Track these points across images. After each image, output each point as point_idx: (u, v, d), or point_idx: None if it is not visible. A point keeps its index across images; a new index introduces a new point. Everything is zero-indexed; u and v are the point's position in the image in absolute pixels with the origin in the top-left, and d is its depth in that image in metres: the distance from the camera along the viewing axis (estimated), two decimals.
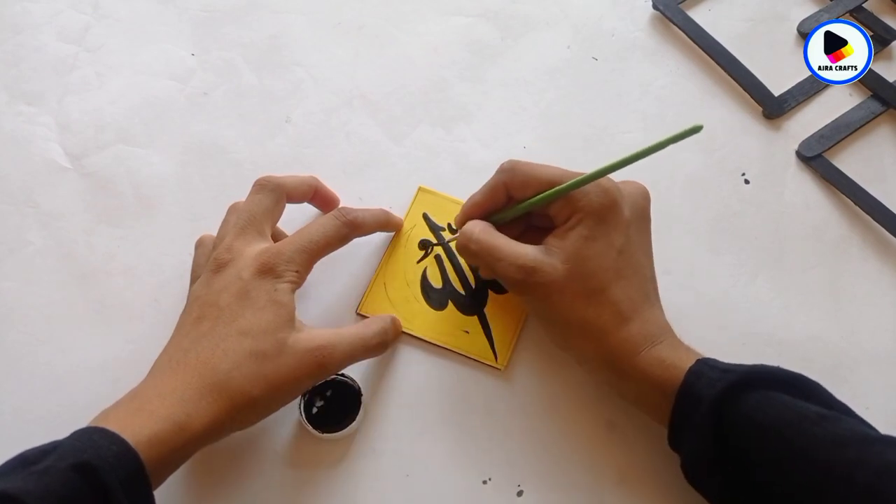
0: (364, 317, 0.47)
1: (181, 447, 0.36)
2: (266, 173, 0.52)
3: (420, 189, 0.51)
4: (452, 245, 0.48)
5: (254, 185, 0.45)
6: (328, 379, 0.44)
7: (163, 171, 0.51)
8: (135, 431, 0.35)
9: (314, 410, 0.43)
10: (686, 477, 0.40)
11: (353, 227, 0.44)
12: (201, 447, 0.37)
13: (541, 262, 0.40)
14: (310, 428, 0.42)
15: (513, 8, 0.58)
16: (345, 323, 0.47)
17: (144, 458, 0.34)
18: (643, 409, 0.42)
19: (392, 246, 0.49)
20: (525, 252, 0.41)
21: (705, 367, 0.38)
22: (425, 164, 0.52)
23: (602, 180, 0.40)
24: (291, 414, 0.44)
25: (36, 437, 0.43)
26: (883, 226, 0.51)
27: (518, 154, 0.53)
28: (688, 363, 0.39)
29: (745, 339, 0.48)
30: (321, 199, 0.48)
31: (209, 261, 0.42)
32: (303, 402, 0.43)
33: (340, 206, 0.48)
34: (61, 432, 0.40)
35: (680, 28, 0.57)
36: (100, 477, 0.32)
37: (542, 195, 0.42)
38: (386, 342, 0.44)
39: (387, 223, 0.48)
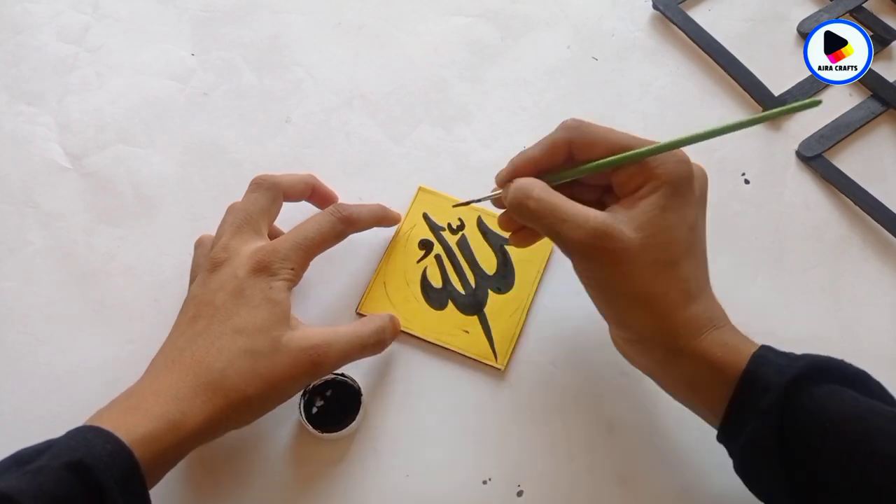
0: (364, 316, 0.47)
1: (176, 445, 0.36)
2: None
3: (420, 189, 0.51)
4: (488, 203, 0.43)
5: (250, 184, 0.45)
6: (328, 379, 0.44)
7: (163, 171, 0.51)
8: (129, 430, 0.34)
9: (314, 410, 0.43)
10: (738, 467, 0.38)
11: (349, 223, 0.44)
12: (197, 445, 0.37)
13: (613, 227, 0.37)
14: (310, 428, 0.42)
15: (513, 8, 0.58)
16: (344, 322, 0.47)
17: (139, 457, 0.34)
18: (693, 396, 0.39)
19: (392, 246, 0.49)
20: (595, 215, 0.37)
21: (771, 354, 0.37)
22: (425, 164, 0.53)
23: (677, 151, 0.38)
24: (291, 414, 0.44)
25: (36, 436, 0.43)
26: (883, 226, 0.51)
27: None
28: (752, 349, 0.37)
29: None
30: (319, 196, 0.48)
31: (207, 260, 0.42)
32: (303, 401, 0.43)
33: (337, 202, 0.48)
34: (61, 432, 0.40)
35: (680, 28, 0.57)
36: (94, 476, 0.32)
37: (613, 158, 0.38)
38: (383, 341, 0.44)
39: (383, 217, 0.48)
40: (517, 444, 0.45)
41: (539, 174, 0.40)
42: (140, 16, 0.57)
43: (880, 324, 0.49)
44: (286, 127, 0.53)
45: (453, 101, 0.55)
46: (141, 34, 0.56)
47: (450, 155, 0.53)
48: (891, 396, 0.37)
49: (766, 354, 0.37)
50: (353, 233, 0.45)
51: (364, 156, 0.53)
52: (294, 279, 0.41)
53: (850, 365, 0.37)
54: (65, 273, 0.48)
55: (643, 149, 0.38)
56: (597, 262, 0.38)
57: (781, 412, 0.34)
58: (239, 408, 0.38)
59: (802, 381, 0.35)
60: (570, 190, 0.41)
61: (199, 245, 0.46)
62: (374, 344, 0.43)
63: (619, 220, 0.37)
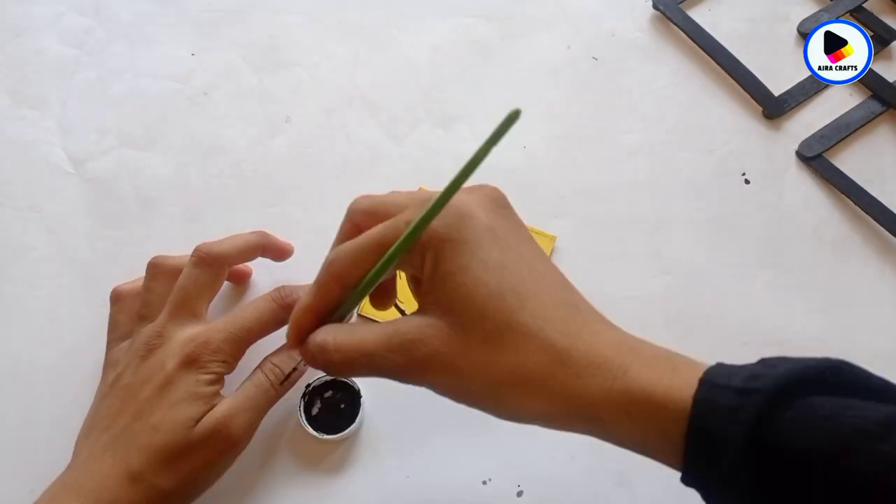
0: (365, 318, 0.47)
1: None
2: (265, 175, 0.52)
3: (420, 190, 0.51)
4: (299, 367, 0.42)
5: (191, 257, 0.42)
6: (328, 380, 0.44)
7: (163, 172, 0.52)
8: None
9: (314, 412, 0.44)
10: None
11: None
12: None
13: (416, 329, 0.31)
14: (309, 429, 0.43)
15: (513, 8, 0.58)
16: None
17: None
18: (645, 455, 0.31)
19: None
20: (393, 328, 0.31)
21: (716, 393, 0.28)
22: (425, 164, 0.53)
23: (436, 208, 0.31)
24: (291, 415, 0.44)
25: (41, 440, 0.44)
26: (883, 226, 0.51)
27: (518, 154, 0.53)
28: (684, 389, 0.28)
29: (745, 339, 0.48)
30: (273, 252, 0.46)
31: (140, 344, 0.40)
32: (302, 403, 0.43)
33: (280, 285, 0.42)
34: (65, 435, 0.40)
35: (680, 28, 0.57)
36: None
37: (369, 277, 0.32)
38: (273, 388, 0.41)
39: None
40: (517, 444, 0.45)
41: (325, 318, 0.34)
42: (141, 17, 0.57)
43: (880, 324, 0.49)
44: (286, 127, 0.53)
45: (453, 101, 0.55)
46: (142, 36, 0.56)
47: (450, 155, 0.53)
48: (876, 380, 0.29)
49: (710, 396, 0.28)
50: None
51: (364, 156, 0.53)
52: (226, 370, 0.40)
53: (811, 360, 0.29)
54: (68, 277, 0.48)
55: (398, 242, 0.31)
56: (430, 375, 0.31)
57: (747, 463, 0.27)
58: (159, 503, 0.37)
59: (766, 420, 0.27)
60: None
61: (116, 300, 0.44)
62: (272, 387, 0.41)
63: (422, 319, 0.31)
